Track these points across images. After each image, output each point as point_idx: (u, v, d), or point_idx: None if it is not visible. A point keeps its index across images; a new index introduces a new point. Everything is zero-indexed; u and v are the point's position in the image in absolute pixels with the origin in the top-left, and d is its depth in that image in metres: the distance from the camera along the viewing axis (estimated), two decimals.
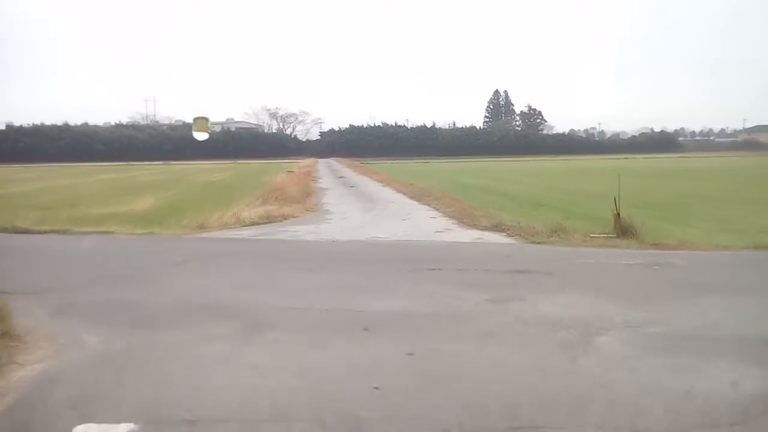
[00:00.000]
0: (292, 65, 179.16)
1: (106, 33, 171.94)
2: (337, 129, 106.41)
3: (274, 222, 13.21)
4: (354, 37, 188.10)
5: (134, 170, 51.68)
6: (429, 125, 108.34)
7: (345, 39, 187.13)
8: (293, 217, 14.17)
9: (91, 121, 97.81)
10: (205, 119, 10.77)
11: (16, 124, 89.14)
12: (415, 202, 18.19)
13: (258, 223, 12.87)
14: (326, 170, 49.27)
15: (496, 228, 11.60)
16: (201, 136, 11.36)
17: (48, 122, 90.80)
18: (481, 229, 11.73)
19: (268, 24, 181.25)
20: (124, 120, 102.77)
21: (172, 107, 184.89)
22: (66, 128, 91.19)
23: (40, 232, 11.40)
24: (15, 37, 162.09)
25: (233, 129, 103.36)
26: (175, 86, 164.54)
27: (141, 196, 21.73)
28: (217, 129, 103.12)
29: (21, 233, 11.32)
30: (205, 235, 11.39)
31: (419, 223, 13.09)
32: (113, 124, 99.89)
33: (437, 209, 15.75)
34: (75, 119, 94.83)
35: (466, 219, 13.19)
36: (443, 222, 13.25)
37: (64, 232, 11.41)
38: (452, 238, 10.84)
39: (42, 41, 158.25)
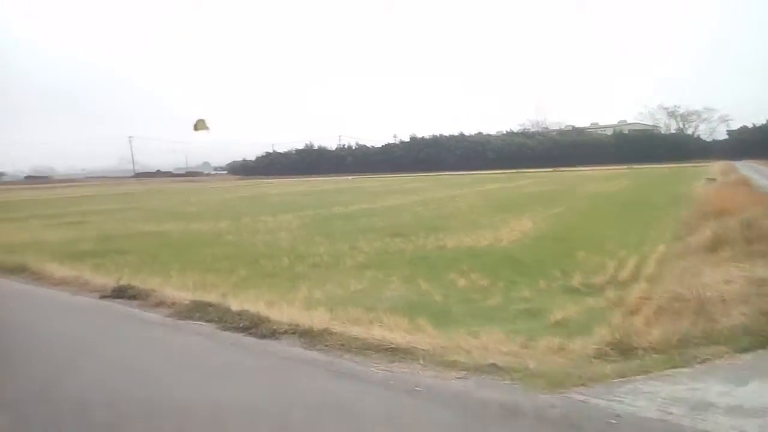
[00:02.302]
0: (694, 55, 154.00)
1: (499, 51, 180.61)
2: (750, 126, 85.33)
3: None
4: None
5: (521, 179, 48.57)
6: None
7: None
8: None
9: (484, 131, 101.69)
10: (203, 120, 6.31)
11: (419, 135, 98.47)
12: None
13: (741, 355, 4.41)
14: (761, 178, 36.27)
15: None
16: (201, 136, 6.58)
17: (446, 133, 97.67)
18: None
19: (656, 16, 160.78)
20: (515, 128, 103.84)
21: (562, 112, 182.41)
22: (461, 138, 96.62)
23: (243, 331, 5.92)
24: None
25: (626, 131, 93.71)
26: (565, 92, 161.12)
27: (518, 216, 17.85)
28: (608, 132, 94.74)
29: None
30: (558, 402, 3.87)
31: None
32: (504, 132, 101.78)
33: None
34: (470, 129, 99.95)
35: None
36: None
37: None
38: None
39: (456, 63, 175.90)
